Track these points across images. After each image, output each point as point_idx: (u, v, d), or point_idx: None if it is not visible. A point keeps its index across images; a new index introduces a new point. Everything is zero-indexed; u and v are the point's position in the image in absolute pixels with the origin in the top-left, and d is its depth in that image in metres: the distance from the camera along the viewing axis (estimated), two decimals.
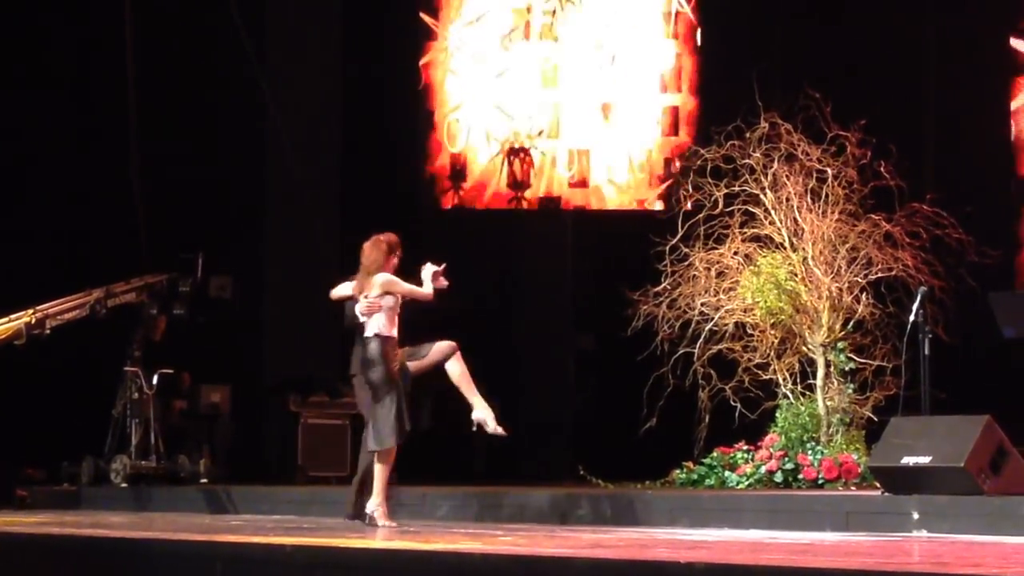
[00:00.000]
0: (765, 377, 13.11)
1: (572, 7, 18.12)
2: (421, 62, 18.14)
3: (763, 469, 12.73)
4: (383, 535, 9.99)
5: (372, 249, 10.93)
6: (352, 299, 10.95)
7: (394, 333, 10.83)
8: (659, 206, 16.75)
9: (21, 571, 9.14)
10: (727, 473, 12.91)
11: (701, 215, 13.26)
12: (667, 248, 13.28)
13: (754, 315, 13.13)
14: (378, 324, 10.80)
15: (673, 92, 17.95)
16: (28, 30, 16.67)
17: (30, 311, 14.64)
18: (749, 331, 13.19)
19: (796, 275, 13.03)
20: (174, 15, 17.12)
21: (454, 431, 11.37)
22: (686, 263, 13.29)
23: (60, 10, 16.69)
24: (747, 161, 13.21)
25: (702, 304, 13.15)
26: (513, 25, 18.20)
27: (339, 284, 11.06)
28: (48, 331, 14.70)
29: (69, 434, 15.30)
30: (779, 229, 13.16)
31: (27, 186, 16.41)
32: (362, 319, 10.84)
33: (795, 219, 13.12)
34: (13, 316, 14.58)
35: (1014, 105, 16.38)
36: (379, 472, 10.74)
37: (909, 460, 10.44)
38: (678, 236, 13.29)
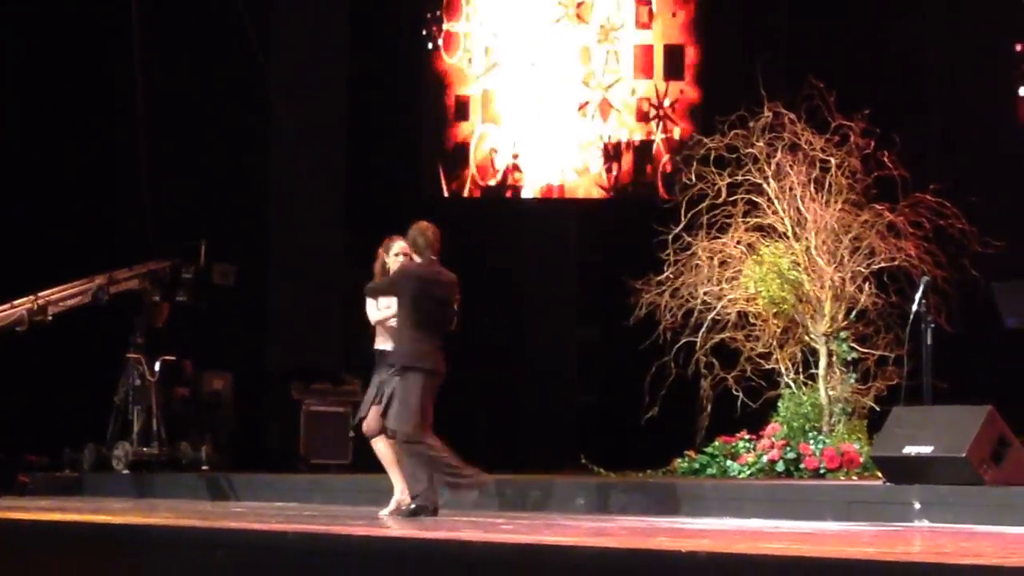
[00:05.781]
0: (767, 366, 13.09)
1: None
2: (432, 46, 18.10)
3: (765, 458, 12.71)
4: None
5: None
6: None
7: None
8: (662, 195, 16.72)
9: (23, 557, 9.14)
10: (729, 462, 12.90)
11: (704, 204, 13.24)
12: (670, 237, 13.27)
13: (756, 304, 13.12)
14: None
15: (676, 80, 17.92)
16: (36, 22, 16.66)
17: (32, 297, 14.65)
18: (751, 320, 13.18)
19: (799, 264, 13.01)
20: (180, 6, 17.10)
21: (455, 420, 11.37)
22: (689, 252, 13.28)
23: (67, 2, 16.67)
24: (750, 150, 13.19)
25: (705, 293, 13.14)
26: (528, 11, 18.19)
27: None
28: (50, 318, 14.72)
29: (71, 421, 15.30)
30: (782, 218, 13.14)
31: (31, 173, 16.39)
32: None
33: (798, 208, 13.09)
34: (15, 302, 14.59)
35: (1022, 92, 16.33)
36: None
37: (911, 450, 10.44)
38: (681, 225, 13.27)
